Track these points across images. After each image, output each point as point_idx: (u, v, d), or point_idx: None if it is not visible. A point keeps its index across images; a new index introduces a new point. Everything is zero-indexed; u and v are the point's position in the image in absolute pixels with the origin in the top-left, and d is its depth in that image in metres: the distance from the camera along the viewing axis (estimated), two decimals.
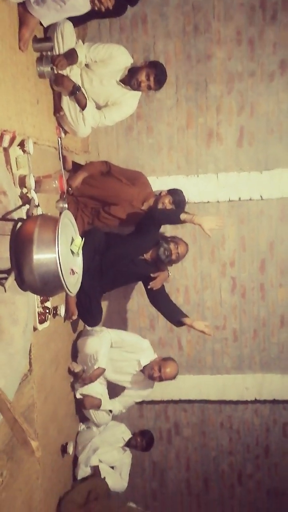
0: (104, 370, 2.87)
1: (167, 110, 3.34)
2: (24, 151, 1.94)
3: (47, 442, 2.38)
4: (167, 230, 3.28)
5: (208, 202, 3.34)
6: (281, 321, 3.50)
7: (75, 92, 2.40)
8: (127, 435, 3.17)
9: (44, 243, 1.31)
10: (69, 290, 1.39)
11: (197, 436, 3.63)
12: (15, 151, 1.90)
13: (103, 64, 2.53)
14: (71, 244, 1.45)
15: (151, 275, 2.88)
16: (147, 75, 2.55)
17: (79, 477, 2.78)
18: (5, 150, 1.83)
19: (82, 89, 2.47)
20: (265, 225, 3.39)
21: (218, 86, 3.25)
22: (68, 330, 2.94)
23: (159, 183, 3.26)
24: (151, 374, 2.90)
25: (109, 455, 2.98)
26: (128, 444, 3.13)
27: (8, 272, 1.33)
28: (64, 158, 2.59)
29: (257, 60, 3.20)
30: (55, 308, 2.41)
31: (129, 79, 2.57)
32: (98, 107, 2.66)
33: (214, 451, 3.64)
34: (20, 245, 1.32)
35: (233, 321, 3.51)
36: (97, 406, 2.91)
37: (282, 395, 3.50)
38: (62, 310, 2.46)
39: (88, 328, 3.08)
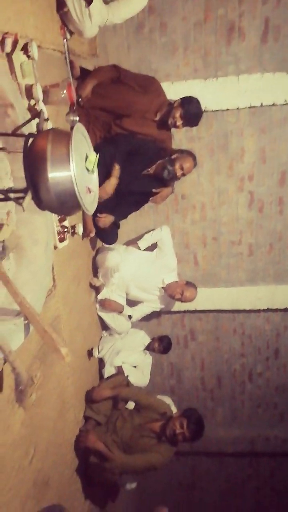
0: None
1: (182, 1, 2.94)
2: (28, 56, 1.78)
3: (74, 347, 2.61)
4: (183, 144, 3.13)
5: (227, 109, 3.11)
6: None
7: None
8: (147, 340, 3.44)
9: (58, 160, 1.26)
10: (86, 209, 1.38)
11: (211, 341, 3.91)
12: (18, 56, 1.75)
13: None
14: (85, 160, 1.40)
15: (153, 190, 2.79)
16: None
17: (105, 376, 3.10)
18: (8, 56, 1.68)
19: None
20: None
21: None
22: (87, 248, 3.02)
23: (174, 90, 3.02)
24: (173, 295, 3.08)
25: (131, 357, 3.26)
26: (148, 347, 3.41)
27: (24, 191, 1.31)
28: (71, 63, 2.38)
29: None
30: (73, 227, 2.45)
31: None
32: (105, 1, 2.35)
33: (227, 353, 3.95)
34: (33, 164, 1.28)
35: (249, 236, 3.52)
36: (119, 310, 3.11)
37: None
38: (80, 229, 2.49)
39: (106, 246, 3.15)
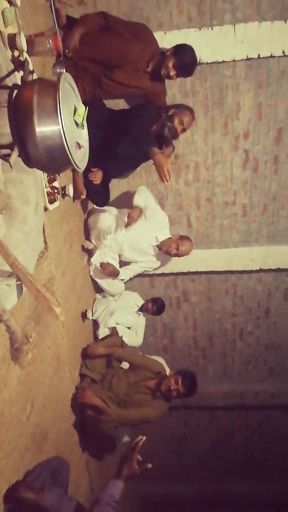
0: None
1: None
2: (10, 2, 1.66)
3: (68, 309, 2.64)
4: (177, 99, 3.01)
5: (223, 61, 2.97)
6: None
7: None
8: (140, 301, 3.48)
9: (46, 113, 1.19)
10: (77, 166, 1.32)
11: (203, 302, 3.97)
12: (0, 3, 1.62)
13: None
14: (74, 114, 1.33)
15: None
16: None
17: (99, 337, 3.16)
18: None
19: None
20: (286, 88, 3.06)
21: None
22: (78, 210, 2.96)
23: (167, 40, 2.85)
24: (169, 251, 3.07)
25: (125, 318, 3.31)
26: (141, 309, 3.45)
27: (11, 146, 1.25)
28: (56, 11, 2.22)
29: None
30: (64, 188, 2.39)
31: None
32: None
33: (219, 313, 4.02)
34: (19, 117, 1.22)
35: (243, 196, 3.48)
36: (116, 275, 3.11)
37: (287, 264, 3.67)
38: (70, 190, 2.43)
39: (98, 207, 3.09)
